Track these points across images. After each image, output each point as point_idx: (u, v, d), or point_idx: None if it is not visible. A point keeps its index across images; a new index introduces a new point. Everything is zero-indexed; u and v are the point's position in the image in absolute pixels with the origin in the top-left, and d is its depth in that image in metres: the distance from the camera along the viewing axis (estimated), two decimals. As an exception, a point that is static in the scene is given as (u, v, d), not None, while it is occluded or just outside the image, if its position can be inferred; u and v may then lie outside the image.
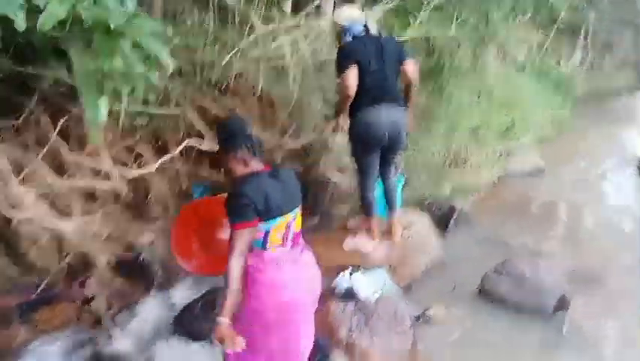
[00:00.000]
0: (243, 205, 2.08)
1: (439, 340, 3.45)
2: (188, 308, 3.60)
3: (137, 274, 3.88)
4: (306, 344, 2.39)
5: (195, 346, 3.36)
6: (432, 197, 5.13)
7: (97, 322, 3.25)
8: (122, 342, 3.30)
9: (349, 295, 3.19)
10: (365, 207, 3.75)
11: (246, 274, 2.15)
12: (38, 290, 3.27)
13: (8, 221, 2.86)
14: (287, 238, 2.25)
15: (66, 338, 3.22)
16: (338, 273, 3.43)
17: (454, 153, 5.75)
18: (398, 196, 4.14)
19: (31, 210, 2.53)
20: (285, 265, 2.24)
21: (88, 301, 3.06)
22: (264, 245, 2.20)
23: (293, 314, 2.26)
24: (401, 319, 3.13)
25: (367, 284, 3.26)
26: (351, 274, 3.35)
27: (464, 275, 4.19)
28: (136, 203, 3.82)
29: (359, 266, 3.51)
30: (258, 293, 2.20)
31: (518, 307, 3.80)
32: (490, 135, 6.41)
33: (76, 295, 3.16)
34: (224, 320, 2.00)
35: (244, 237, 2.08)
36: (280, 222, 2.19)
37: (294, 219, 2.27)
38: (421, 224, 4.37)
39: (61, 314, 3.31)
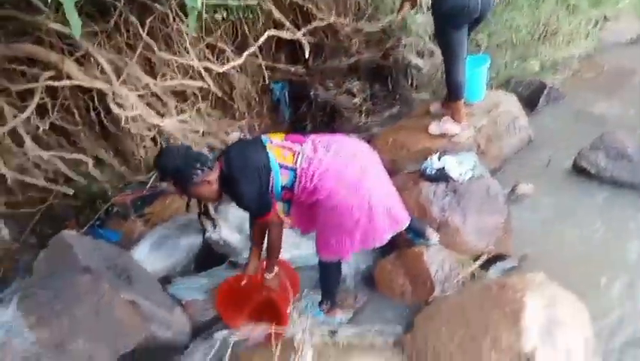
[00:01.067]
0: (257, 197, 2.31)
1: (531, 217, 3.44)
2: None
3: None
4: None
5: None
6: (520, 75, 4.82)
7: (202, 213, 3.53)
8: (226, 231, 3.60)
9: (440, 176, 3.19)
10: (454, 91, 3.58)
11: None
12: (148, 186, 3.58)
13: (116, 123, 3.05)
14: (290, 148, 2.35)
15: (177, 227, 3.57)
16: (425, 157, 3.42)
17: (543, 24, 5.25)
18: (484, 76, 3.94)
19: (135, 109, 2.67)
20: (322, 155, 2.32)
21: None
22: (293, 169, 2.33)
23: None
24: (494, 197, 3.12)
25: (457, 165, 3.23)
26: (439, 157, 3.32)
27: (556, 153, 4.03)
28: (222, 101, 3.93)
29: (445, 150, 3.46)
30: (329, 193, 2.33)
31: (616, 183, 3.65)
32: (583, 2, 5.75)
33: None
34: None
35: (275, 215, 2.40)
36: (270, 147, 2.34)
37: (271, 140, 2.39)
38: (509, 103, 4.16)
39: (171, 207, 3.62)
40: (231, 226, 3.84)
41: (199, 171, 2.26)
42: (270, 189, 2.35)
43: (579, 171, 3.81)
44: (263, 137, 2.42)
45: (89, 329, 2.45)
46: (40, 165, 3.01)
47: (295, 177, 2.34)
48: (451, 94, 3.60)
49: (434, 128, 3.77)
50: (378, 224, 2.46)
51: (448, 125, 3.71)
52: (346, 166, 2.33)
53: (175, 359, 2.60)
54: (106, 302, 2.49)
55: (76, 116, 3.12)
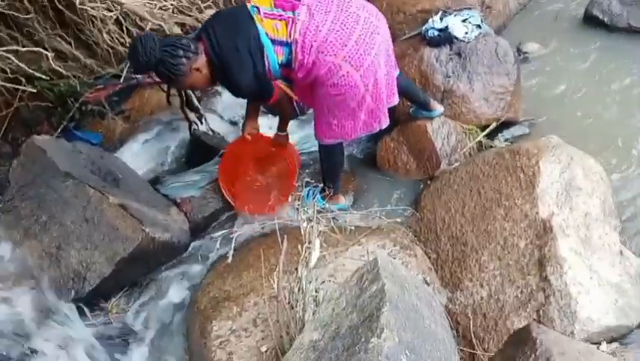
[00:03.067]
0: (255, 83, 2.06)
1: (539, 78, 3.19)
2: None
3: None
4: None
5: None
6: None
7: (185, 104, 3.25)
8: (213, 120, 3.35)
9: (443, 39, 2.87)
10: None
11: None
12: (122, 79, 3.25)
13: (72, 7, 2.64)
14: (282, 15, 2.02)
15: (160, 121, 3.31)
16: (424, 21, 3.06)
17: None
18: None
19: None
20: (322, 24, 1.99)
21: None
22: (288, 44, 2.01)
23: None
24: (503, 56, 2.82)
25: (462, 24, 2.89)
26: (441, 18, 2.96)
27: (566, 4, 3.65)
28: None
29: (447, 9, 3.09)
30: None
31: (632, 31, 3.34)
32: None
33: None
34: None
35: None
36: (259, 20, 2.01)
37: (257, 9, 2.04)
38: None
39: (150, 101, 3.33)
40: (218, 113, 3.60)
41: (184, 59, 1.99)
42: (266, 69, 2.05)
43: (591, 21, 3.48)
44: (249, 5, 2.04)
45: (81, 237, 2.32)
46: (-9, 64, 2.66)
47: (291, 53, 2.03)
48: None
49: None
50: (384, 103, 2.22)
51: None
52: (349, 34, 1.99)
53: (178, 259, 2.51)
54: (94, 207, 2.33)
55: (25, 1, 2.68)
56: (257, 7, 2.03)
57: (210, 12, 3.41)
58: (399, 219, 2.36)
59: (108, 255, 2.27)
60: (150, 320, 2.33)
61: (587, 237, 2.06)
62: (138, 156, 3.08)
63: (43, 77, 2.64)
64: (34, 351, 2.15)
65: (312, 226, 1.90)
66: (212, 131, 3.25)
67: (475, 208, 2.26)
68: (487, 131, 2.76)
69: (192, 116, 3.17)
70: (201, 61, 2.04)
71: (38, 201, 2.40)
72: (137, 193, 2.60)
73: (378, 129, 2.33)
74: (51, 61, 2.56)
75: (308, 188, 2.41)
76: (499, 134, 2.84)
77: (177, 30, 2.73)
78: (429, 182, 2.63)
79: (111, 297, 2.39)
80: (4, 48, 2.68)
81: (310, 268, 1.75)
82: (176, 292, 2.39)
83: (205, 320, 2.00)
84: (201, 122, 3.22)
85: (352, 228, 2.14)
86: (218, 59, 2.01)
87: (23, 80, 2.85)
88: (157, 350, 2.22)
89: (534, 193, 2.15)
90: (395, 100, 2.33)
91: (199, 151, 3.14)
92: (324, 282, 1.87)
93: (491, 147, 2.72)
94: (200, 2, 3.32)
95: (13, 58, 2.65)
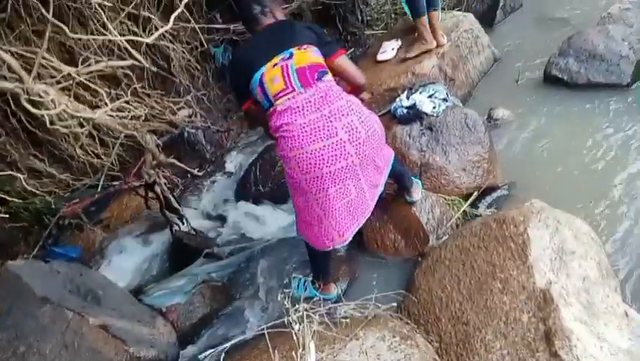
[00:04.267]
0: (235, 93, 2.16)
1: (511, 141, 3.25)
2: (246, 175, 3.53)
3: (187, 152, 3.78)
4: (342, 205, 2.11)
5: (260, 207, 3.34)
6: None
7: (165, 206, 3.22)
8: (193, 219, 3.31)
9: (412, 115, 2.93)
10: (415, 7, 3.28)
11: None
12: (98, 190, 3.22)
13: (44, 126, 2.65)
14: (289, 79, 1.98)
15: (140, 228, 3.25)
16: (392, 99, 3.15)
17: None
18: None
19: (59, 105, 2.28)
20: (302, 115, 1.95)
21: (150, 187, 2.97)
22: (269, 101, 2.01)
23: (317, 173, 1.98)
24: (473, 126, 2.88)
25: (428, 99, 2.97)
26: (407, 96, 3.04)
27: (525, 67, 3.82)
28: (161, 77, 3.52)
29: (412, 86, 3.19)
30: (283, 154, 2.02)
31: (590, 86, 3.47)
32: None
33: (137, 186, 3.07)
34: None
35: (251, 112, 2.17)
36: (267, 67, 2.01)
37: (288, 58, 2.01)
38: (467, 23, 3.87)
39: (129, 207, 3.29)
40: (200, 211, 3.57)
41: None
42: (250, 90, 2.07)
43: (552, 81, 3.61)
44: (286, 51, 2.02)
45: (64, 366, 2.17)
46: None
47: (267, 109, 2.04)
48: (413, 10, 3.31)
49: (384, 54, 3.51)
50: (338, 222, 2.13)
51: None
52: (312, 141, 1.94)
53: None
54: (74, 332, 2.20)
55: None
56: (289, 54, 2.02)
57: (185, 112, 3.48)
58: (395, 304, 2.28)
59: (91, 385, 2.12)
60: None
61: (589, 302, 1.99)
62: (119, 266, 3.00)
63: (16, 199, 2.59)
64: None
65: (304, 327, 1.80)
66: (195, 230, 3.19)
67: (470, 283, 2.19)
68: (471, 200, 2.75)
69: (173, 218, 3.12)
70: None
71: (15, 330, 2.26)
72: (119, 308, 2.47)
73: (329, 246, 2.19)
74: (24, 182, 2.53)
75: (297, 279, 2.32)
76: (482, 201, 2.83)
77: (151, 138, 2.74)
78: (420, 259, 2.56)
79: None
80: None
81: (308, 376, 1.63)
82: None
83: None
84: (182, 223, 3.17)
85: (347, 320, 2.04)
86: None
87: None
88: None
89: (527, 262, 2.10)
90: (365, 218, 2.23)
91: (182, 253, 3.06)
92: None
93: (476, 215, 2.69)
94: (172, 105, 3.39)
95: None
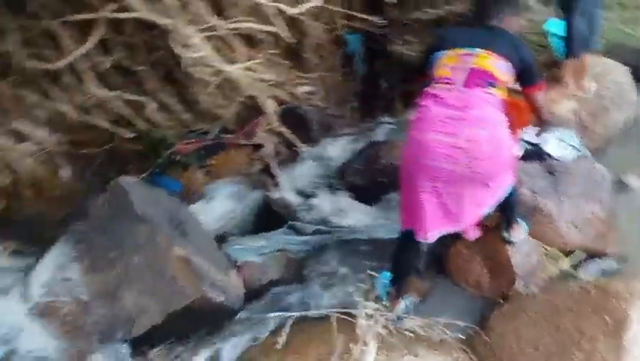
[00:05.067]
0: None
1: (636, 213, 2.96)
2: (346, 165, 3.55)
3: (295, 127, 3.87)
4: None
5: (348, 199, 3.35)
6: (632, 40, 4.15)
7: (265, 169, 3.33)
8: (286, 190, 3.40)
9: (533, 153, 2.78)
10: (572, 45, 3.10)
11: None
12: (211, 136, 3.41)
13: (180, 66, 2.85)
14: (458, 72, 2.07)
15: (238, 182, 3.40)
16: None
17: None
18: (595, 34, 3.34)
19: (200, 51, 2.44)
20: (443, 106, 2.01)
21: (257, 148, 3.10)
22: (431, 80, 2.13)
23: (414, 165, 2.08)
24: (599, 183, 2.67)
25: (557, 143, 2.79)
26: (537, 133, 2.87)
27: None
28: (293, 51, 3.63)
29: (542, 126, 3.01)
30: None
31: None
32: None
33: (246, 143, 3.21)
34: None
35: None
36: (451, 53, 2.12)
37: (471, 55, 2.09)
38: (618, 74, 3.58)
39: (233, 160, 3.45)
40: (293, 186, 3.65)
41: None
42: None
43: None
44: (475, 49, 2.11)
45: (142, 282, 2.35)
46: (102, 105, 2.89)
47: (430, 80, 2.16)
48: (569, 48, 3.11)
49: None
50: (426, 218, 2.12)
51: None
52: (435, 143, 1.99)
53: (224, 324, 2.45)
54: (161, 256, 2.37)
55: (141, 55, 2.94)
56: (470, 51, 2.10)
57: (306, 88, 3.57)
58: (462, 336, 2.19)
59: (162, 305, 2.28)
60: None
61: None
62: (210, 211, 3.16)
63: (143, 125, 2.81)
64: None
65: (370, 325, 1.79)
66: (285, 200, 3.28)
67: (550, 344, 2.05)
68: (573, 259, 2.56)
69: (269, 182, 3.24)
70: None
71: (111, 237, 2.48)
72: (202, 249, 2.61)
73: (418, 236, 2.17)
74: (154, 111, 2.74)
75: (377, 278, 2.30)
76: (584, 264, 2.62)
77: (271, 103, 2.85)
78: (500, 300, 2.44)
79: (155, 346, 2.36)
80: (114, 93, 2.93)
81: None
82: (220, 357, 2.32)
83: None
84: (276, 190, 3.27)
85: (412, 335, 2.00)
86: None
87: (124, 122, 3.08)
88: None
89: (621, 343, 1.93)
90: (455, 229, 2.24)
91: (268, 217, 3.17)
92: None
93: (574, 277, 2.50)
94: (297, 79, 3.48)
95: (120, 103, 2.88)
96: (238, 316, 2.52)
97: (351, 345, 1.71)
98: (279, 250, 2.88)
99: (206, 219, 3.02)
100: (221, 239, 2.95)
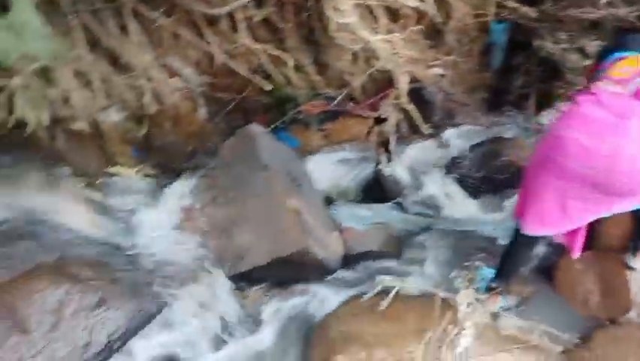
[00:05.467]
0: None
1: None
2: (463, 155, 3.47)
3: (420, 106, 3.83)
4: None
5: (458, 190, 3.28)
6: None
7: (382, 143, 3.36)
8: (399, 168, 3.42)
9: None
10: None
11: None
12: (336, 102, 3.49)
13: (324, 31, 2.94)
14: (632, 80, 1.91)
15: (352, 150, 3.48)
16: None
17: None
18: None
19: (349, 17, 2.50)
20: (603, 110, 1.86)
21: (378, 121, 3.13)
22: (600, 77, 1.97)
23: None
24: None
25: None
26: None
27: None
28: (433, 30, 3.57)
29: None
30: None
31: None
32: None
33: (369, 114, 3.26)
34: None
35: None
36: (632, 56, 1.93)
37: None
38: None
39: (351, 129, 3.52)
40: (406, 164, 3.65)
41: None
42: None
43: None
44: None
45: (255, 224, 2.53)
46: (247, 55, 3.08)
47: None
48: None
49: None
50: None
51: None
52: (580, 144, 1.88)
53: (323, 280, 2.56)
54: (276, 204, 2.53)
55: (289, 13, 3.07)
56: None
57: (438, 71, 3.52)
58: (559, 346, 2.11)
59: (269, 249, 2.44)
60: (278, 320, 2.43)
61: None
62: (322, 173, 3.26)
63: (279, 79, 2.95)
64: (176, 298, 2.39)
65: (469, 312, 1.79)
66: (395, 177, 3.30)
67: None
68: None
69: (384, 156, 3.27)
70: None
71: (234, 178, 2.69)
72: (312, 205, 2.74)
73: (535, 230, 2.09)
74: (291, 69, 2.86)
75: (480, 269, 2.27)
76: None
77: (404, 79, 2.84)
78: (607, 323, 2.29)
79: (254, 285, 2.54)
80: (259, 45, 3.10)
81: (455, 354, 1.64)
82: (310, 307, 2.45)
83: (330, 349, 2.00)
84: (389, 165, 3.30)
85: (507, 333, 1.97)
86: None
87: (262, 75, 3.26)
88: (276, 343, 2.33)
89: None
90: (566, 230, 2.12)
91: (376, 190, 3.22)
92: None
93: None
94: (432, 60, 3.44)
95: (263, 56, 3.05)
96: (334, 275, 2.62)
97: (450, 326, 1.72)
98: (381, 223, 2.92)
99: (318, 178, 3.13)
100: (329, 201, 3.06)
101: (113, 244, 2.54)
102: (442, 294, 1.93)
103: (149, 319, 2.31)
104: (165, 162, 3.16)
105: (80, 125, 2.76)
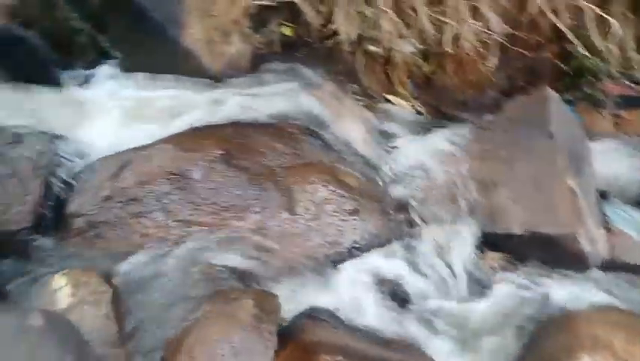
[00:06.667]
0: None
1: None
2: None
3: None
4: None
5: None
6: None
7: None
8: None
9: None
10: None
11: None
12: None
13: None
14: None
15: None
16: None
17: None
18: None
19: None
20: None
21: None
22: None
23: None
24: None
25: None
26: None
27: None
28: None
29: None
30: None
31: None
32: None
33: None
34: None
35: None
36: None
37: None
38: None
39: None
40: None
41: None
42: None
43: None
44: None
45: (520, 191, 2.40)
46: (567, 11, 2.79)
47: None
48: None
49: None
50: None
51: None
52: None
53: (567, 271, 2.31)
54: (552, 178, 2.34)
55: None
56: None
57: None
58: None
59: (530, 221, 2.30)
60: (509, 295, 2.28)
61: None
62: (603, 161, 2.87)
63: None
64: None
65: None
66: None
67: None
68: None
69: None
70: None
71: (511, 137, 2.55)
72: (587, 192, 2.45)
73: None
74: (612, 36, 2.50)
75: None
76: None
77: None
78: None
79: (498, 251, 2.43)
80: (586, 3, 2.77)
81: None
82: (552, 296, 2.25)
83: (578, 345, 1.84)
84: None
85: None
86: None
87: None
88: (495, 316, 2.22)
89: None
90: None
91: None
92: None
93: None
94: None
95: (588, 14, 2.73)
96: (588, 274, 2.35)
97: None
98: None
99: (598, 166, 2.77)
100: (602, 194, 2.70)
101: (377, 165, 2.69)
102: None
103: (389, 240, 2.42)
104: (437, 104, 3.16)
105: (378, 48, 2.90)
